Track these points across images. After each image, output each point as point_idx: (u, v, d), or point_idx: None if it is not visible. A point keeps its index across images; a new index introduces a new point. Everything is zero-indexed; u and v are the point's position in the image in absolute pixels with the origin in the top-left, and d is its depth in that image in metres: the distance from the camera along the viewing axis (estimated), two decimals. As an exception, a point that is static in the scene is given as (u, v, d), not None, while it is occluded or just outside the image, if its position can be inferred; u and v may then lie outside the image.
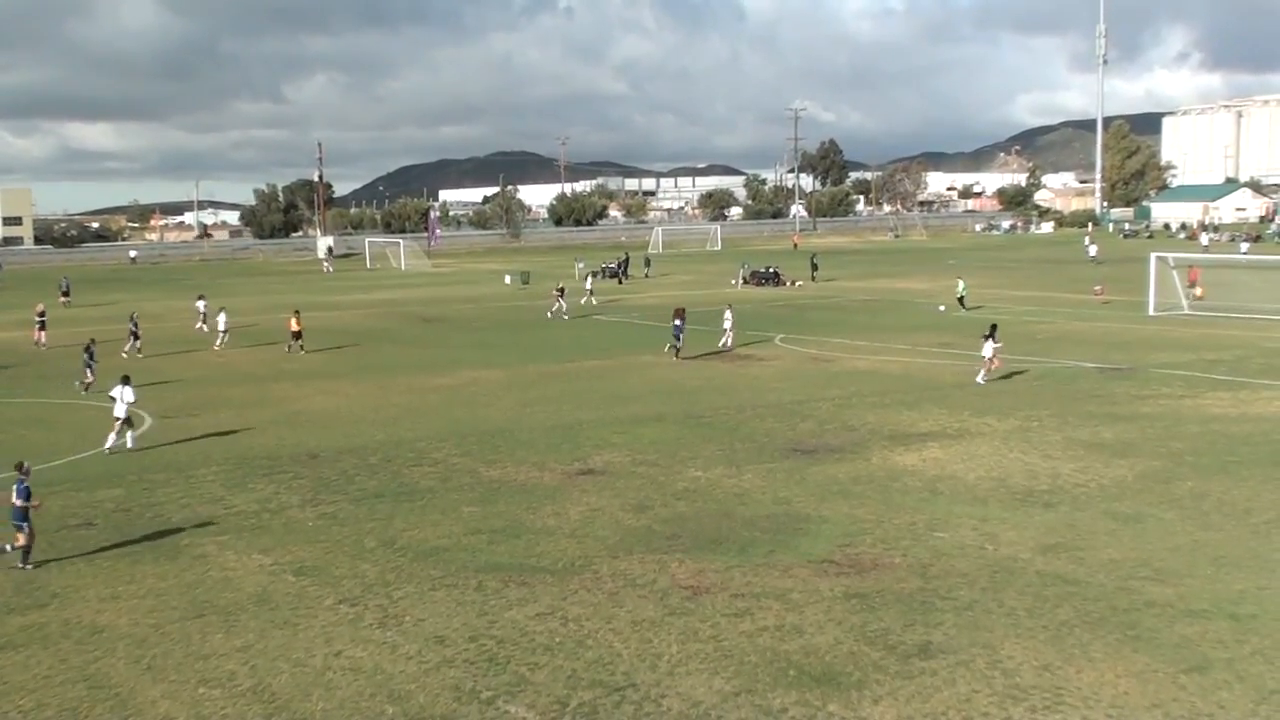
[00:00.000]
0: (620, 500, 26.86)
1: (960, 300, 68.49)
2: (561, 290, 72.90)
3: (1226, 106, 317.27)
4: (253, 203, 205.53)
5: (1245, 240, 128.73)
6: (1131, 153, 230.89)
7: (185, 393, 44.44)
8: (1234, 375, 43.58)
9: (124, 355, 53.88)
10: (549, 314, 70.29)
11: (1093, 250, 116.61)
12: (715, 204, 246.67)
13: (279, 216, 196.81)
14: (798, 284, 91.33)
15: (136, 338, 55.94)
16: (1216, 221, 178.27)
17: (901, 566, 21.86)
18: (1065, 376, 43.99)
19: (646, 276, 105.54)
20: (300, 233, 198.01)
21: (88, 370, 44.47)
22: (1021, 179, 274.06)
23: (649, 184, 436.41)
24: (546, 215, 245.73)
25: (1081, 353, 50.15)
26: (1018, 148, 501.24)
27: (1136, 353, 49.77)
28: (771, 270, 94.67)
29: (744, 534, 24.07)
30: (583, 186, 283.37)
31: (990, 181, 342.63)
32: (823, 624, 18.97)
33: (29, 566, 22.89)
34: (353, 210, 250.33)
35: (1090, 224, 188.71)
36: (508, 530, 24.74)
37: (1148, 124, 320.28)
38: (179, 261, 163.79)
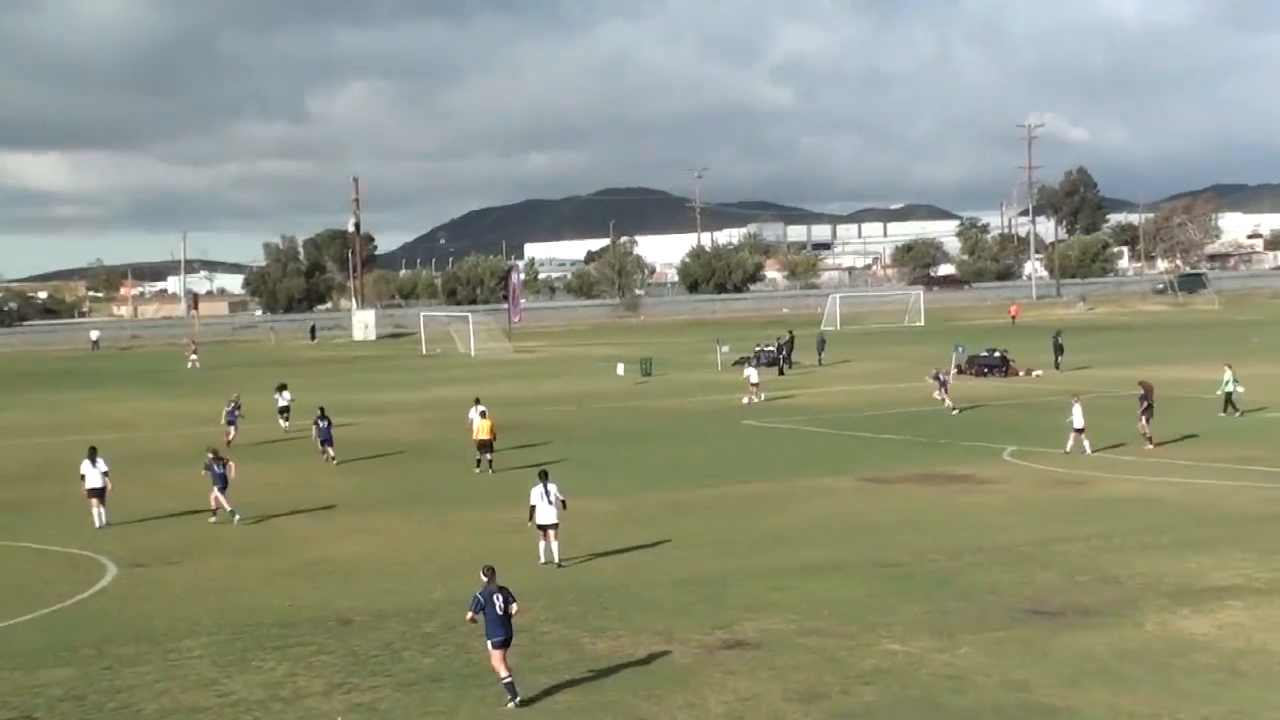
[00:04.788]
0: (782, 685, 26.55)
1: (1228, 398, 66.87)
2: (943, 380, 73.32)
3: None
4: (262, 263, 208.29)
5: None
6: None
7: (163, 531, 45.13)
8: None
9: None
10: (950, 408, 71.05)
11: None
12: (916, 260, 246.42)
13: (298, 282, 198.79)
14: (1036, 374, 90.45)
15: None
16: None
17: (1191, 785, 21.29)
18: None
19: (821, 364, 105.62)
20: (329, 304, 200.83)
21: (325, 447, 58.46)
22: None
23: (821, 233, 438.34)
24: (676, 277, 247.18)
25: None
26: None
27: None
28: (998, 355, 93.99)
29: (959, 736, 23.68)
30: (727, 237, 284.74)
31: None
32: None
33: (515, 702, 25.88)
34: (402, 273, 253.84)
35: None
36: (619, 729, 24.59)
37: None
38: (159, 346, 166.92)
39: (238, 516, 45.47)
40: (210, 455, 46.78)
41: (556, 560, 37.72)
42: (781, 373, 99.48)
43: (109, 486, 45.92)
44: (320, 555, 40.72)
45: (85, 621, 33.48)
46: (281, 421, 70.04)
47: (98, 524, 45.09)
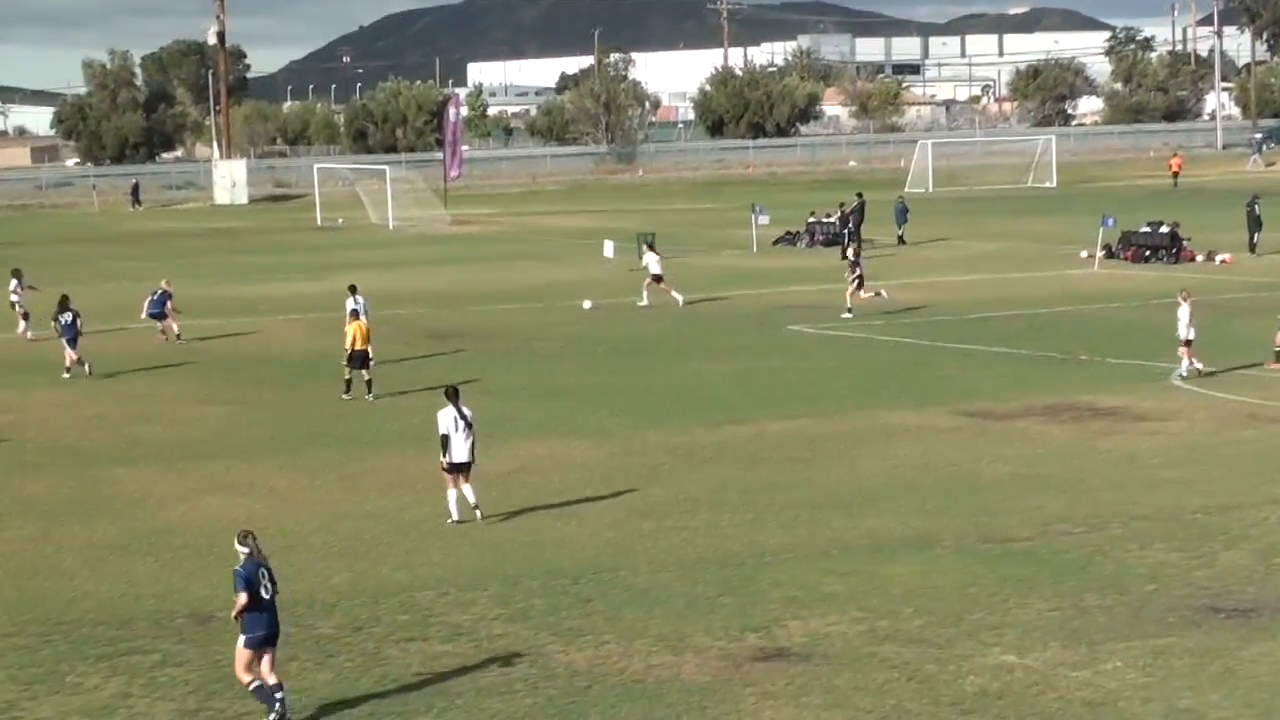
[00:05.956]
0: (846, 714, 26.65)
1: None
2: (855, 260, 74.50)
3: None
4: (81, 90, 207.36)
5: None
6: None
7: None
8: None
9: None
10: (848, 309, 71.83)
11: None
12: (1046, 91, 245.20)
13: (134, 119, 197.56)
14: (1221, 259, 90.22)
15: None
16: None
17: None
18: None
19: (902, 242, 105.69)
20: (178, 152, 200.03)
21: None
22: None
23: (907, 49, 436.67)
24: (691, 115, 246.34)
25: None
26: None
27: None
28: (1165, 230, 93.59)
29: (1103, 789, 23.96)
30: (767, 56, 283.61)
31: None
32: None
33: None
34: (287, 106, 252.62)
35: None
36: (606, 779, 24.88)
37: None
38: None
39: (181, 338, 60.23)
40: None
41: (480, 513, 38.58)
42: (845, 255, 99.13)
43: None
44: (168, 522, 40.80)
45: None
46: (20, 325, 71.14)
47: None
